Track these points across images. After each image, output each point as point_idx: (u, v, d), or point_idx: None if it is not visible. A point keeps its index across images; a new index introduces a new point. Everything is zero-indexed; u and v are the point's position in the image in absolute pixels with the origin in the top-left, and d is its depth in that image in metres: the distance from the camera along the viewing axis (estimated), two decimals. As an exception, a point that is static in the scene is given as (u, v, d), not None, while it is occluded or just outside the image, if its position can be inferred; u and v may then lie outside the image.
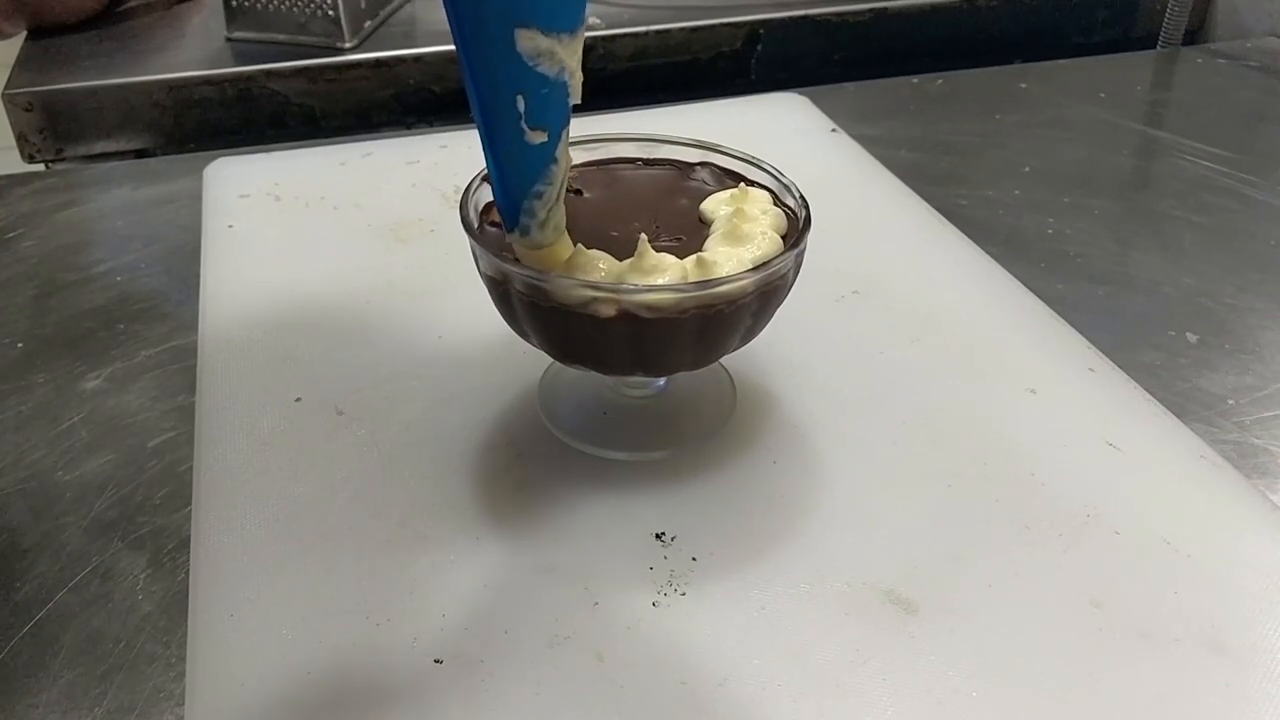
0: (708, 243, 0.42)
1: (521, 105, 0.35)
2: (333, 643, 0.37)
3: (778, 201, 0.45)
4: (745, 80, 0.91)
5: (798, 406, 0.48)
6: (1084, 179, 0.71)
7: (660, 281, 0.39)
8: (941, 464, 0.45)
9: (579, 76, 0.36)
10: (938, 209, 0.64)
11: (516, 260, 0.40)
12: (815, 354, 0.51)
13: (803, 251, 0.42)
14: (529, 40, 0.34)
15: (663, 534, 0.41)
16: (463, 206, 0.43)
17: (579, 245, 0.41)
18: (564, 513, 0.42)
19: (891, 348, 0.52)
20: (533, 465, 0.45)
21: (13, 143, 0.78)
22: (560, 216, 0.39)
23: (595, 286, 0.38)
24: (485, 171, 0.45)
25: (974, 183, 0.70)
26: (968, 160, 0.74)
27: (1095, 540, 0.41)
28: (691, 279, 0.39)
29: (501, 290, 0.41)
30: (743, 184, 0.45)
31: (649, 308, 0.38)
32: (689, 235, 0.43)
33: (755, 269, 0.39)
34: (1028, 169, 0.72)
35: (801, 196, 0.44)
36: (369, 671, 0.36)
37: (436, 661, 0.36)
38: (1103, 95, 0.83)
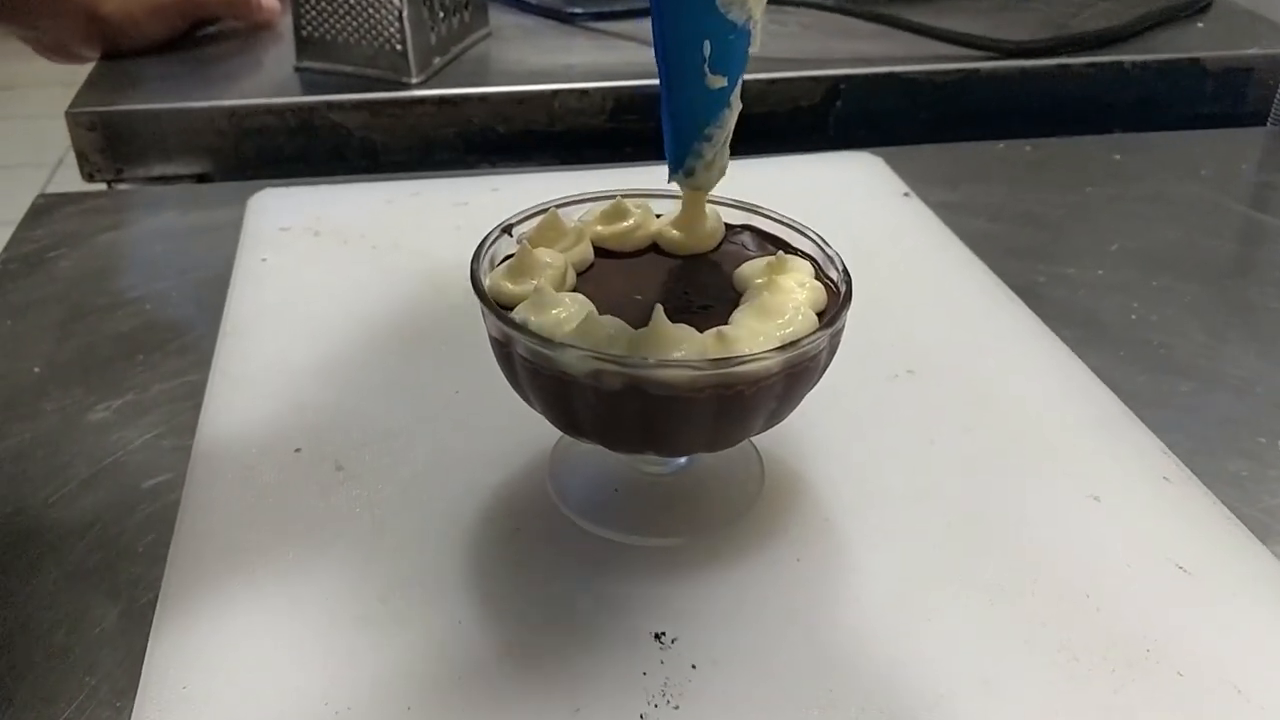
0: (734, 315, 0.38)
1: (707, 50, 0.36)
2: (286, 728, 0.34)
3: (819, 274, 0.41)
4: (823, 136, 0.87)
5: (831, 496, 0.44)
6: (1176, 261, 0.66)
7: (675, 356, 0.35)
8: (984, 576, 0.40)
9: (760, 26, 0.37)
10: (1012, 285, 0.59)
11: (520, 325, 0.36)
12: (856, 438, 0.47)
13: (839, 331, 0.38)
14: None
15: (662, 634, 0.37)
16: (474, 259, 0.40)
17: (591, 310, 0.37)
18: (557, 600, 0.39)
19: (942, 436, 0.47)
20: (531, 542, 0.41)
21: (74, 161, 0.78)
22: (725, 160, 0.40)
23: (601, 356, 0.35)
24: (505, 223, 0.42)
25: (1055, 258, 0.65)
26: (1050, 234, 0.69)
27: (1153, 680, 0.36)
28: (710, 355, 0.35)
29: (505, 353, 0.38)
30: (780, 253, 0.41)
31: (660, 384, 0.35)
32: (719, 303, 0.40)
33: (780, 348, 0.35)
34: (1115, 247, 0.67)
35: (845, 270, 0.40)
36: (319, 765, 0.33)
37: (393, 761, 0.33)
38: (1204, 172, 0.78)
